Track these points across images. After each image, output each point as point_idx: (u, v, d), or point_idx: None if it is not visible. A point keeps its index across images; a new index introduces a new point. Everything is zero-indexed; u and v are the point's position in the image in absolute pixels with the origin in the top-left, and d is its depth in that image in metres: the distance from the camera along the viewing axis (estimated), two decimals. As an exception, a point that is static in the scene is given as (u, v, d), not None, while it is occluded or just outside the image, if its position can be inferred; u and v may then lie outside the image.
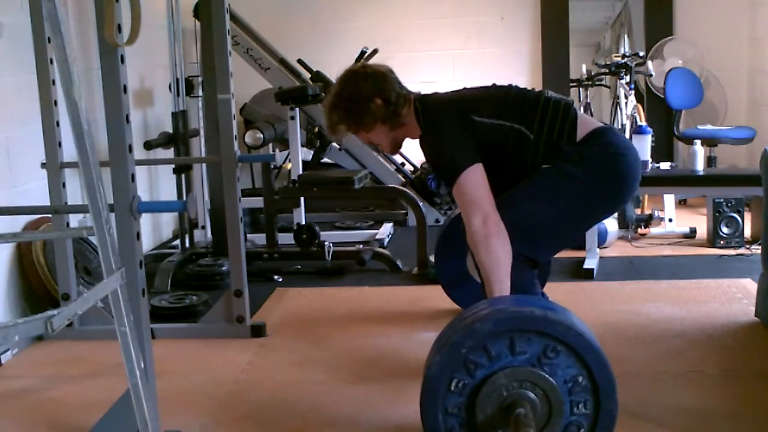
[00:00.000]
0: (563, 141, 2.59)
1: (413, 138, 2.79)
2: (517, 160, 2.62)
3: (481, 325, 2.06)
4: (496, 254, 2.47)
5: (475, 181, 2.54)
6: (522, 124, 2.60)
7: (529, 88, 2.81)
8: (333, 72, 5.67)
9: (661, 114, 6.15)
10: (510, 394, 2.06)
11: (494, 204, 2.52)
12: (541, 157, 2.60)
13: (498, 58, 6.35)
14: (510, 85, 2.79)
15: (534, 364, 2.06)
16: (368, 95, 2.70)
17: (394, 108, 2.70)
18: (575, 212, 2.63)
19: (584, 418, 2.08)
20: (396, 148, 2.88)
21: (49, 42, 3.08)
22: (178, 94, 4.68)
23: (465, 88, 2.84)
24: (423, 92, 2.81)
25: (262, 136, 4.66)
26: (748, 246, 4.57)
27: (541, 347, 2.05)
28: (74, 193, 3.57)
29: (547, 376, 2.05)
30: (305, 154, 5.52)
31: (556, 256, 2.92)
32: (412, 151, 5.93)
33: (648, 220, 4.91)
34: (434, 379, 2.08)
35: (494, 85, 2.82)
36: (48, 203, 3.30)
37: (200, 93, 4.84)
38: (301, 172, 4.77)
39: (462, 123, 2.61)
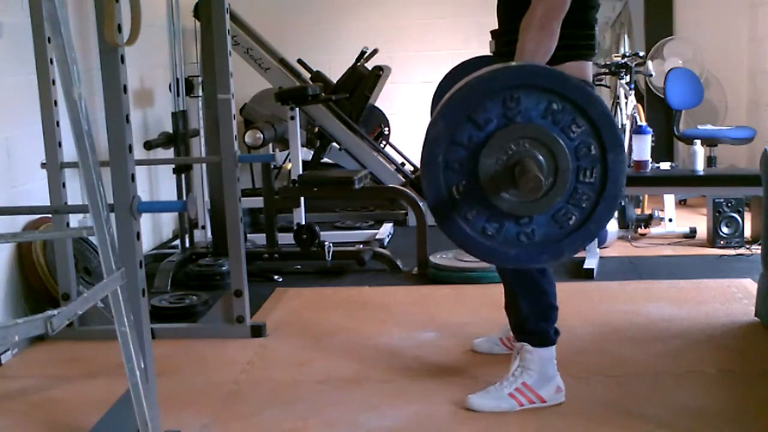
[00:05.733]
0: None
1: None
2: None
3: (477, 82, 1.99)
4: (538, 42, 2.34)
5: None
6: None
7: None
8: (333, 72, 5.81)
9: (661, 114, 6.15)
10: (509, 158, 2.01)
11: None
12: None
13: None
14: None
15: (505, 123, 2.00)
16: None
17: None
18: None
19: (585, 135, 2.02)
20: None
21: (49, 42, 3.08)
22: (178, 94, 4.68)
23: None
24: None
25: (262, 136, 4.66)
26: (748, 246, 4.57)
27: (500, 104, 2.00)
28: (74, 193, 3.57)
29: (525, 123, 2.00)
30: (305, 154, 5.52)
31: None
32: (412, 151, 5.96)
33: (648, 220, 4.91)
34: (436, 137, 2.02)
35: None
36: (48, 203, 3.30)
37: (200, 93, 4.84)
38: (301, 172, 4.77)
39: None
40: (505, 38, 2.58)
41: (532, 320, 2.62)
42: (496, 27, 2.68)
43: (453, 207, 2.05)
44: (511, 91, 1.99)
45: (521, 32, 2.39)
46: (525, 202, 2.02)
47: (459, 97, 2.02)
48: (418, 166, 6.02)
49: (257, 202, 4.86)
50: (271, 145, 4.87)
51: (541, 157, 2.01)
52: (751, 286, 3.76)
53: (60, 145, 3.22)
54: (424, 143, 2.05)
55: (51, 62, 3.13)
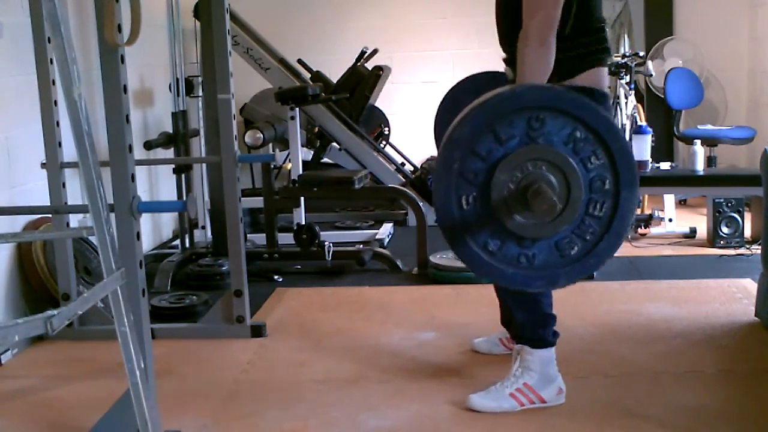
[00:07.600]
0: None
1: None
2: None
3: (509, 95, 1.99)
4: (538, 58, 2.31)
5: None
6: None
7: None
8: (333, 72, 5.81)
9: (661, 114, 6.15)
10: (524, 177, 2.00)
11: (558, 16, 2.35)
12: None
13: (498, 58, 6.33)
14: None
15: (526, 142, 1.99)
16: None
17: None
18: None
19: (602, 168, 2.02)
20: None
21: (49, 42, 3.08)
22: (178, 94, 4.68)
23: None
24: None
25: (262, 136, 4.66)
26: (748, 246, 4.57)
27: (525, 123, 1.98)
28: (74, 193, 3.57)
29: (547, 146, 1.99)
30: (305, 154, 5.52)
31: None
32: (413, 151, 5.96)
33: (648, 220, 4.91)
34: (459, 140, 2.00)
35: None
36: (48, 203, 3.30)
37: (200, 93, 4.84)
38: (301, 172, 4.77)
39: None
40: (507, 46, 2.58)
41: (529, 328, 2.62)
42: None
43: (460, 218, 2.05)
44: (538, 112, 1.99)
45: (519, 52, 2.38)
46: (531, 224, 2.03)
47: (488, 105, 2.00)
48: (418, 166, 6.03)
49: (257, 202, 4.87)
50: (271, 145, 4.88)
51: (555, 183, 2.00)
52: (751, 286, 3.76)
53: (60, 145, 3.22)
54: (445, 143, 2.03)
55: (51, 62, 3.13)
